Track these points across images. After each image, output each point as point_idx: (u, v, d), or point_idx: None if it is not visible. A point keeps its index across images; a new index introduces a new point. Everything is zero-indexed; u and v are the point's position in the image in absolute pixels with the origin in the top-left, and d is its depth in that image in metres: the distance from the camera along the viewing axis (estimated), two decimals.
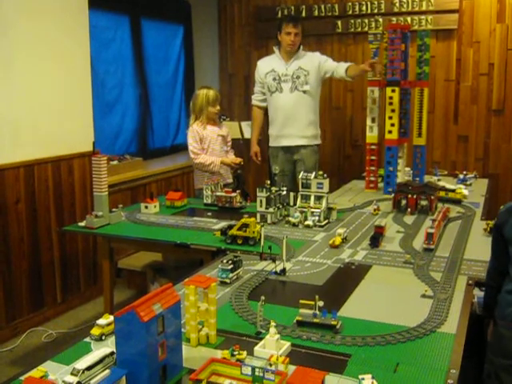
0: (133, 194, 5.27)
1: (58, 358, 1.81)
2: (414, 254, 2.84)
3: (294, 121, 5.08)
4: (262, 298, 1.97)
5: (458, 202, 3.51)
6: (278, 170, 4.00)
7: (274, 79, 5.06)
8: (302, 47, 5.12)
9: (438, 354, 1.80)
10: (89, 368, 1.69)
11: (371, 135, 4.58)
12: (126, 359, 1.61)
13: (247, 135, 6.18)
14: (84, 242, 4.78)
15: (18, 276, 4.20)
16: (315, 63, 5.02)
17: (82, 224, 3.55)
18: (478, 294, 2.76)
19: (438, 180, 4.65)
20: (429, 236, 2.92)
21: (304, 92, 5.03)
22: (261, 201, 3.50)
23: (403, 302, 2.26)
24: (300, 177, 3.54)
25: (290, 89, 5.03)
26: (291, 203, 3.68)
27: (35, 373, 1.62)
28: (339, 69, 4.94)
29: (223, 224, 3.35)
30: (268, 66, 5.11)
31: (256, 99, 5.31)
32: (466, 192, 4.20)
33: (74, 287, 4.74)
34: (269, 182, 3.58)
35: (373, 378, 1.53)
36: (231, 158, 4.70)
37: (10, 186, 4.09)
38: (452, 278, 2.49)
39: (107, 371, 1.55)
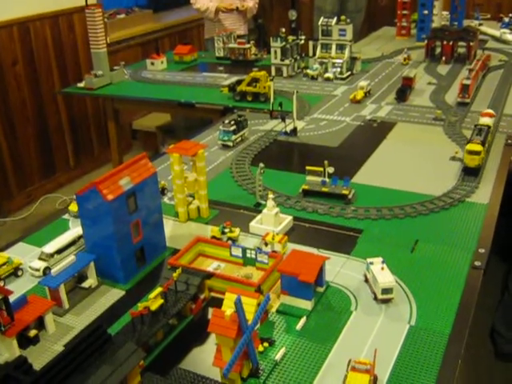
0: (143, 50, 4.86)
1: (31, 239, 1.61)
2: (445, 109, 2.49)
3: None
4: (261, 165, 1.69)
5: None
6: (295, 16, 3.53)
7: None
8: None
9: (465, 229, 1.52)
10: (59, 251, 1.49)
11: None
12: (94, 243, 1.38)
13: None
14: (93, 103, 4.50)
15: (25, 142, 4.00)
16: None
17: (81, 85, 3.26)
18: None
19: (480, 24, 4.14)
20: (464, 88, 2.54)
21: None
22: (275, 52, 3.13)
23: (429, 165, 1.95)
24: (320, 23, 3.11)
25: None
26: (310, 54, 3.28)
27: None
28: None
29: (232, 80, 3.00)
30: None
31: None
32: (510, 37, 3.77)
33: (87, 151, 4.55)
34: (284, 30, 3.16)
35: (383, 262, 1.27)
36: (226, 3, 4.25)
37: (3, 47, 3.75)
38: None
39: (73, 257, 1.33)
